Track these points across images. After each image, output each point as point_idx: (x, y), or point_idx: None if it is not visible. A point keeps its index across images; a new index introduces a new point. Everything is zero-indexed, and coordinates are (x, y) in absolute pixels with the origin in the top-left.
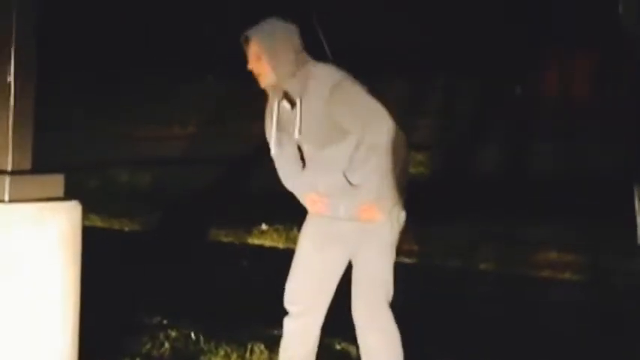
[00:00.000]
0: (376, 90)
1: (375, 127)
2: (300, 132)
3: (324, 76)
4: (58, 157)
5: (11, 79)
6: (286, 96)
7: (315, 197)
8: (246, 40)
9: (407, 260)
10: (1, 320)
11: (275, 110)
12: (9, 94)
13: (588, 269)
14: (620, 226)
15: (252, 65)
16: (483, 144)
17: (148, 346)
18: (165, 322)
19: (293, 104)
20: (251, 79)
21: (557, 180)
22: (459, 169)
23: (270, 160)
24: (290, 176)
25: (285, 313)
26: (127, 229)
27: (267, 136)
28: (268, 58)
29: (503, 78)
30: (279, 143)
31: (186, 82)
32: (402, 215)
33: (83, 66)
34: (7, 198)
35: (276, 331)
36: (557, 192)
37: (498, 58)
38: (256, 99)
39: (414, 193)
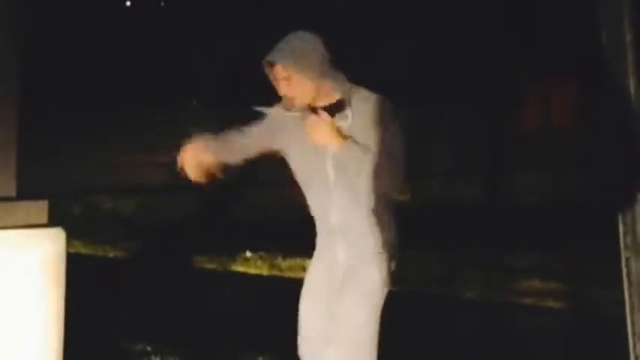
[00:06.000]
0: None
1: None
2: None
3: (366, 93)
4: (42, 184)
5: None
6: (329, 109)
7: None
8: (271, 65)
9: (391, 287)
10: None
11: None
12: None
13: (571, 297)
14: (603, 255)
15: (284, 90)
16: (466, 173)
17: None
18: (148, 348)
19: (339, 112)
20: (236, 104)
21: (542, 209)
22: (443, 197)
23: (254, 188)
24: None
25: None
26: (110, 255)
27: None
28: (300, 74)
29: (487, 106)
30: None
31: (170, 108)
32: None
33: (67, 92)
34: None
35: (260, 358)
36: (540, 220)
37: (481, 86)
38: (242, 125)
39: (400, 221)
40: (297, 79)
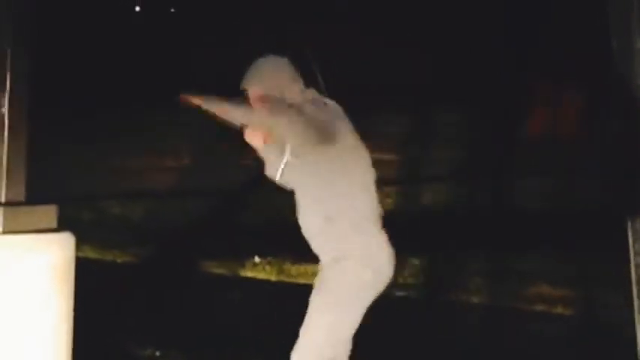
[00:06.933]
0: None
1: None
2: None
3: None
4: (51, 189)
5: (5, 110)
6: None
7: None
8: (245, 88)
9: (399, 293)
10: None
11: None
12: (3, 126)
13: (581, 303)
14: (612, 260)
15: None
16: (472, 176)
17: None
18: (157, 353)
19: None
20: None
21: (550, 214)
22: (451, 203)
23: (263, 192)
24: None
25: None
26: (119, 260)
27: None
28: (274, 99)
29: (490, 112)
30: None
31: (179, 113)
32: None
33: (79, 98)
34: (0, 229)
35: None
36: (550, 226)
37: (486, 92)
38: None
39: (406, 226)
40: (267, 101)
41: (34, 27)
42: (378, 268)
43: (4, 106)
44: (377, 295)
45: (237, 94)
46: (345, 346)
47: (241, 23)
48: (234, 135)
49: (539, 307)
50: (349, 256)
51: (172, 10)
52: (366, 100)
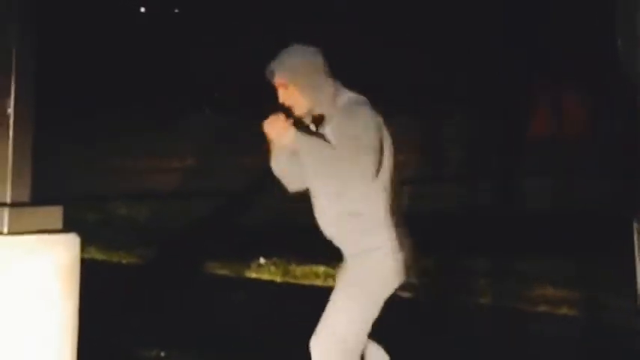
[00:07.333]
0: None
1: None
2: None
3: (350, 100)
4: (56, 190)
5: (11, 111)
6: (315, 119)
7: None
8: (272, 73)
9: (404, 294)
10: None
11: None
12: (8, 126)
13: (585, 305)
14: (616, 262)
15: (282, 97)
16: (477, 179)
17: None
18: (162, 354)
19: (318, 125)
20: (249, 112)
21: (553, 215)
22: (454, 204)
23: (268, 194)
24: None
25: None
26: (124, 261)
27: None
28: (296, 85)
29: (492, 112)
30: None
31: (184, 114)
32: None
33: (82, 98)
34: (5, 230)
35: None
36: (553, 227)
37: (490, 93)
38: (255, 132)
39: (409, 227)
40: (292, 88)
41: (38, 27)
42: (402, 258)
43: (9, 106)
44: (399, 285)
45: (236, 95)
46: (364, 338)
47: (242, 24)
48: (235, 136)
49: (543, 308)
50: (376, 247)
51: (176, 10)
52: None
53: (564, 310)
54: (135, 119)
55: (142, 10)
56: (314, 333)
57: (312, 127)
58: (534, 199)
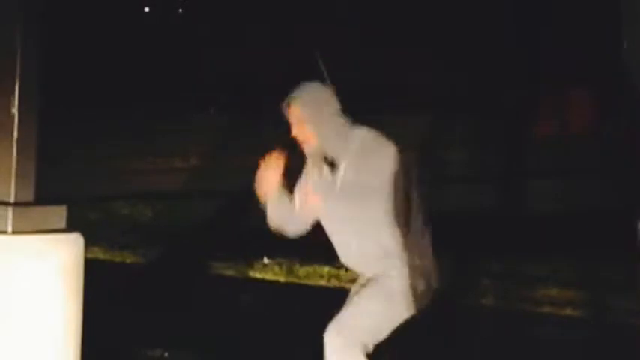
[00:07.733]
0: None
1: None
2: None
3: (366, 138)
4: (60, 190)
5: (15, 110)
6: (327, 160)
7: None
8: (288, 105)
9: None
10: (2, 351)
11: (311, 175)
12: (13, 126)
13: (589, 306)
14: (621, 263)
15: (296, 132)
16: (482, 180)
17: None
18: (166, 354)
19: (333, 167)
20: (251, 112)
21: (558, 216)
22: (459, 205)
23: None
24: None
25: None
26: (128, 261)
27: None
28: (312, 124)
29: (498, 113)
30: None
31: (188, 114)
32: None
33: (85, 98)
34: (9, 229)
35: None
36: (558, 228)
37: (492, 93)
38: (257, 133)
39: None
40: (309, 126)
41: (43, 28)
42: (429, 280)
43: (14, 106)
44: (422, 307)
45: (238, 95)
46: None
47: (248, 25)
48: (239, 136)
49: (547, 309)
50: (404, 265)
51: (180, 10)
52: (367, 100)
53: (569, 311)
54: (139, 119)
55: (146, 10)
56: (331, 325)
57: (326, 169)
58: (539, 200)
